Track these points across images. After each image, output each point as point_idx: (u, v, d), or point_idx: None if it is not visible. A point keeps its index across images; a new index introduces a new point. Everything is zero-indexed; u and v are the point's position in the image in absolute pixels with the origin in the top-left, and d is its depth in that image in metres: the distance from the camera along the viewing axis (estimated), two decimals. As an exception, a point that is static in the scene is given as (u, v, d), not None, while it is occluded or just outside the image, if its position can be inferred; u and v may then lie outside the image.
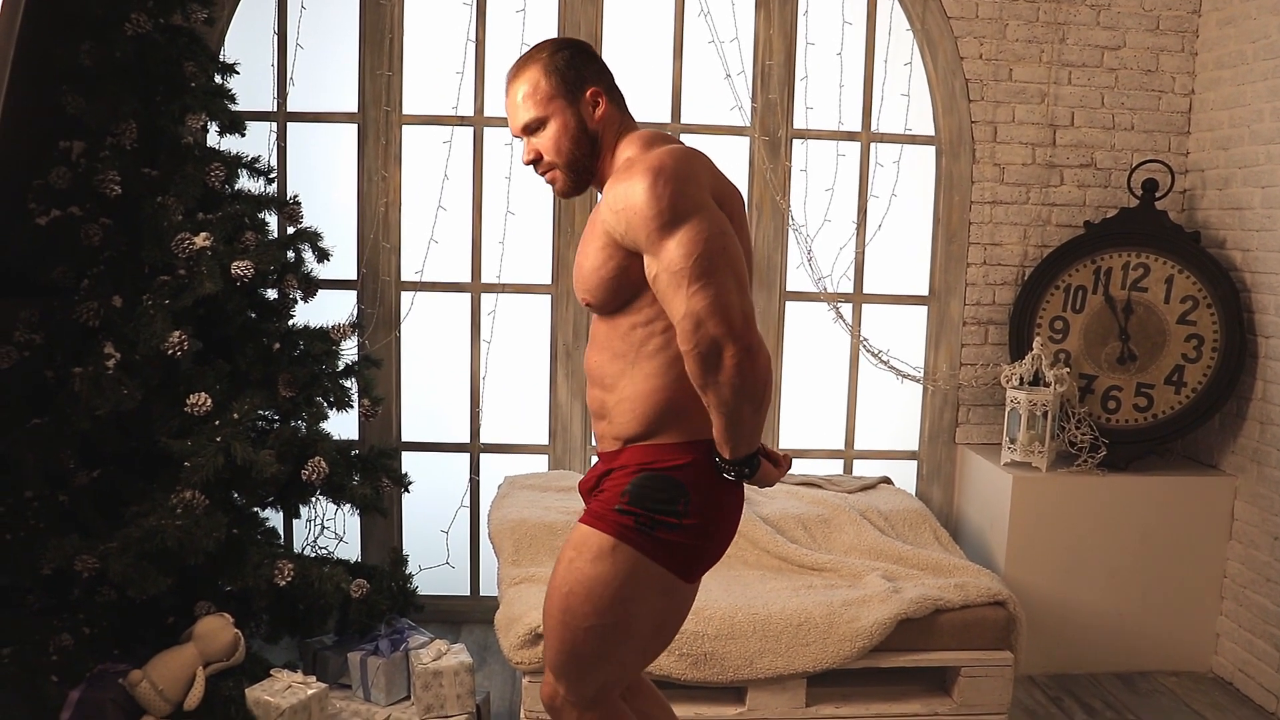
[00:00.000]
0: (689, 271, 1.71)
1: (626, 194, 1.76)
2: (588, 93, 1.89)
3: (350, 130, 3.57)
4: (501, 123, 3.56)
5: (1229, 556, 3.47)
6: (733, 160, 3.62)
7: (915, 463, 3.86)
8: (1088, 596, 3.44)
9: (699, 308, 1.71)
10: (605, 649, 1.91)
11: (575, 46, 1.92)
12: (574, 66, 1.89)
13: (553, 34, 3.55)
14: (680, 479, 1.86)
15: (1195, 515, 3.46)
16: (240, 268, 2.86)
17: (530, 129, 1.91)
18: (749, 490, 3.19)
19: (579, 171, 1.92)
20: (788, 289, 3.72)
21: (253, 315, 3.08)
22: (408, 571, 3.22)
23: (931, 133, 3.70)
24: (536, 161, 1.93)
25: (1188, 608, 3.50)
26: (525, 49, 1.91)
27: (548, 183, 1.96)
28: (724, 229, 1.76)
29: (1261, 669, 3.29)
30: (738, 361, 1.71)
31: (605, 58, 3.50)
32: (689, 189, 1.75)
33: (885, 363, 3.74)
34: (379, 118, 3.53)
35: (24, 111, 2.78)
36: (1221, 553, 3.48)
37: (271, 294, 3.14)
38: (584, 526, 1.92)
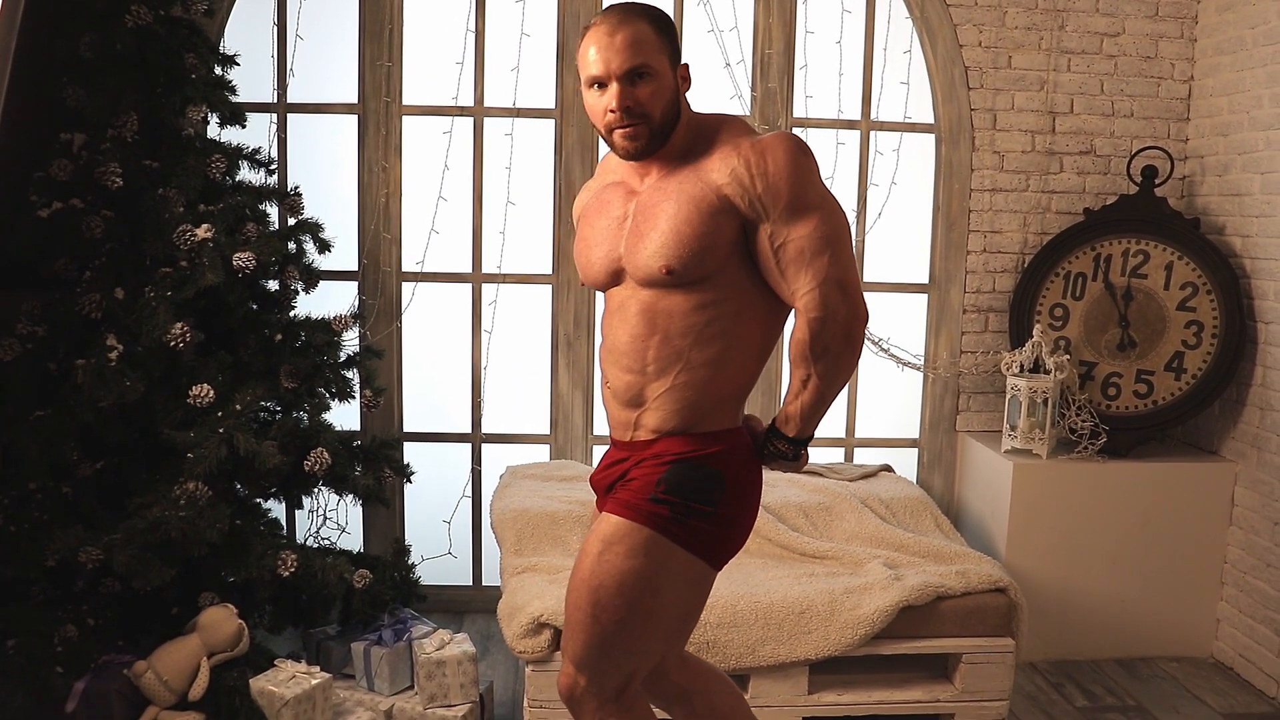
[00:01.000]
0: (829, 241, 1.79)
1: (767, 157, 1.79)
2: (683, 62, 1.90)
3: (350, 121, 3.57)
4: (502, 113, 3.56)
5: (1229, 542, 3.48)
6: (732, 149, 3.62)
7: (916, 450, 3.87)
8: (1089, 583, 3.45)
9: (838, 276, 1.79)
10: (633, 641, 1.90)
11: (667, 16, 1.91)
12: (675, 37, 1.88)
13: (552, 23, 3.55)
14: (719, 468, 1.87)
15: (1196, 501, 3.46)
16: (242, 259, 2.87)
17: (633, 76, 1.80)
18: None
19: (661, 134, 1.85)
20: (788, 278, 3.72)
21: (254, 306, 3.08)
22: (410, 562, 3.25)
23: (931, 120, 3.70)
24: (627, 110, 1.81)
25: (1188, 593, 3.50)
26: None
27: (624, 138, 1.84)
28: (846, 214, 1.87)
29: (1262, 654, 3.30)
30: (856, 338, 1.82)
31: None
32: (819, 167, 1.86)
33: (886, 351, 3.74)
34: (379, 108, 3.53)
35: (25, 104, 2.79)
36: (1222, 538, 3.49)
37: (273, 285, 3.15)
38: (613, 518, 1.88)
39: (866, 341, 3.73)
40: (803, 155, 1.81)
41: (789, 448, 1.89)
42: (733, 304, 1.86)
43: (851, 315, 1.81)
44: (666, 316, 1.86)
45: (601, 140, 3.67)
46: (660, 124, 1.84)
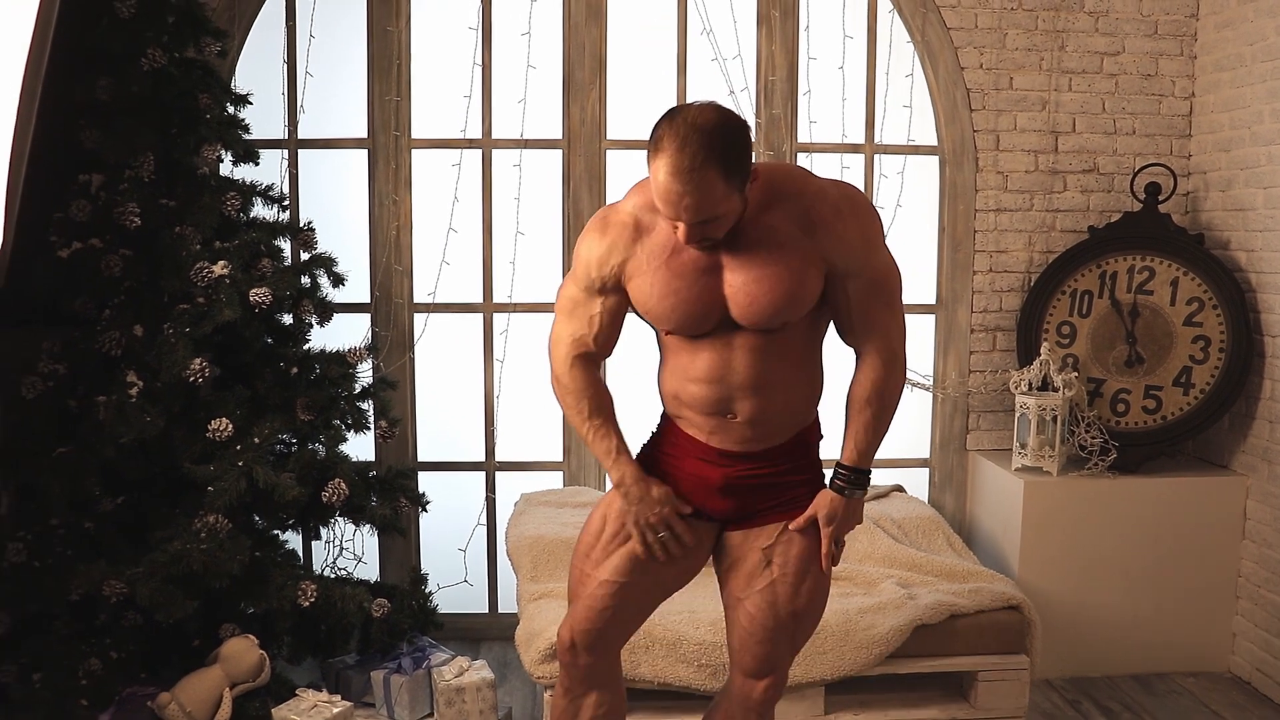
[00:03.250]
0: (896, 297, 2.03)
1: (863, 222, 1.96)
2: (751, 174, 1.85)
3: (361, 156, 3.62)
4: (510, 144, 3.61)
5: (1243, 556, 3.48)
6: (738, 175, 3.66)
7: (927, 470, 3.88)
8: (1102, 599, 3.46)
9: (901, 331, 2.05)
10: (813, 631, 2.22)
11: (738, 132, 1.81)
12: (744, 160, 1.81)
13: (558, 56, 3.61)
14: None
15: (1208, 515, 3.47)
16: (258, 294, 2.91)
17: (703, 224, 1.83)
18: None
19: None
20: (796, 301, 3.75)
21: (270, 341, 3.13)
22: (427, 590, 3.27)
23: (934, 143, 3.74)
24: (701, 241, 1.87)
25: (1203, 608, 3.50)
26: (684, 123, 1.76)
27: (694, 246, 1.90)
28: None
29: (1279, 668, 3.30)
30: (904, 383, 2.10)
31: (610, 78, 3.60)
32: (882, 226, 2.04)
33: (895, 371, 3.76)
34: (388, 143, 3.58)
35: (45, 146, 2.84)
36: (1235, 552, 3.49)
37: (288, 319, 3.19)
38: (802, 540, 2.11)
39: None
40: (874, 217, 2.00)
41: (857, 479, 2.09)
42: (811, 330, 2.04)
43: (906, 364, 2.09)
44: (784, 345, 2.00)
45: (608, 168, 3.71)
46: (729, 231, 1.89)
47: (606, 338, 2.09)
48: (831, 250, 1.92)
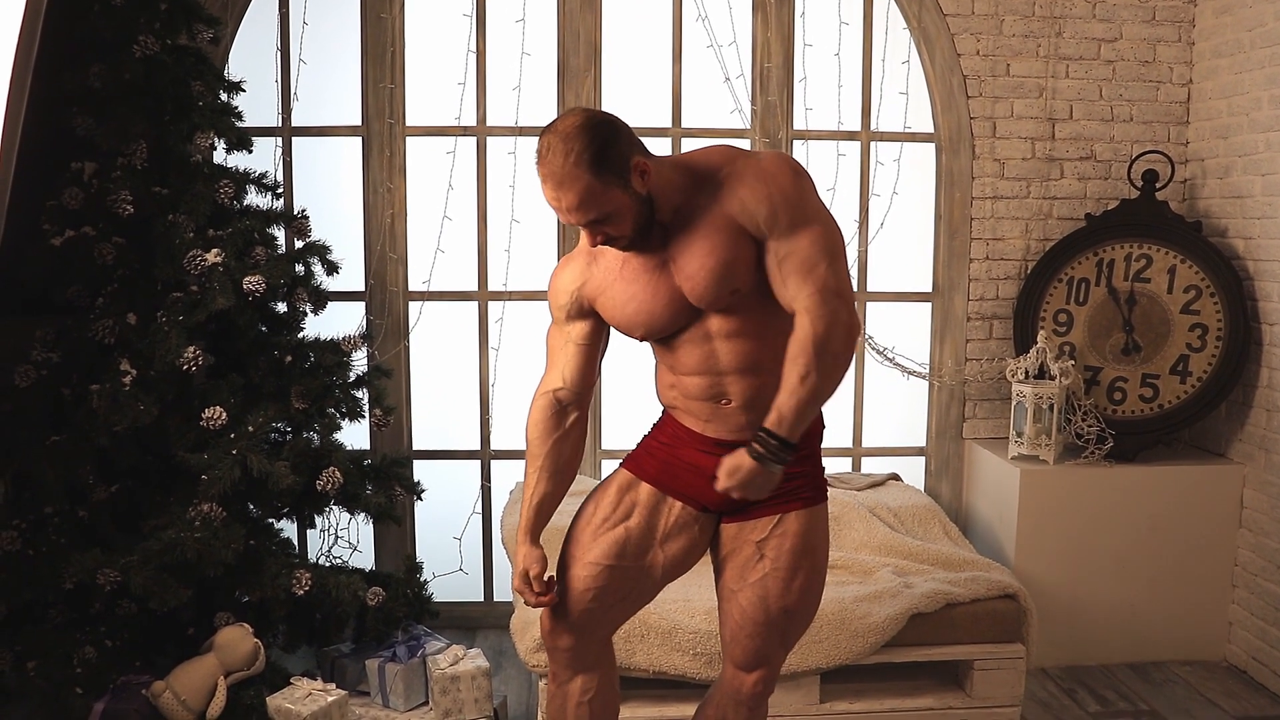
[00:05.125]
0: (829, 252, 1.89)
1: (770, 184, 1.89)
2: (634, 167, 1.87)
3: (354, 143, 3.61)
4: (505, 131, 3.60)
5: (1239, 544, 3.48)
6: (734, 163, 3.65)
7: (923, 458, 3.89)
8: (1099, 588, 3.46)
9: (835, 285, 1.88)
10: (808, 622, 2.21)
11: (601, 130, 1.86)
12: (614, 154, 1.85)
13: (553, 42, 3.60)
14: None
15: (1204, 504, 3.47)
16: (251, 283, 2.91)
17: (595, 224, 1.89)
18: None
19: (644, 228, 1.93)
20: (792, 289, 3.75)
21: (264, 329, 3.13)
22: (422, 579, 3.26)
23: (931, 130, 3.73)
24: (603, 239, 1.93)
25: (1199, 597, 3.51)
26: (550, 131, 1.86)
27: (613, 248, 1.97)
28: (840, 228, 1.97)
29: (1275, 657, 3.30)
30: (852, 347, 1.90)
31: (605, 65, 3.59)
32: (814, 185, 1.95)
33: (891, 360, 3.77)
34: (383, 130, 3.57)
35: (36, 134, 2.83)
36: (1232, 541, 3.49)
37: (282, 307, 3.19)
38: (805, 513, 2.09)
39: (870, 350, 3.76)
40: (798, 175, 1.92)
41: (780, 448, 1.88)
42: (773, 305, 1.96)
43: (850, 323, 1.89)
44: (762, 322, 1.98)
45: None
46: (637, 226, 1.91)
47: (577, 368, 2.11)
48: (746, 212, 1.90)
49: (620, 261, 2.01)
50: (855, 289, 3.70)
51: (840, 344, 1.88)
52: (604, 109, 3.58)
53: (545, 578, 2.12)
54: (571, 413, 2.14)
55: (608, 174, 1.84)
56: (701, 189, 1.94)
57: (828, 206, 1.96)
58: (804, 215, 1.90)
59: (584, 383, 2.13)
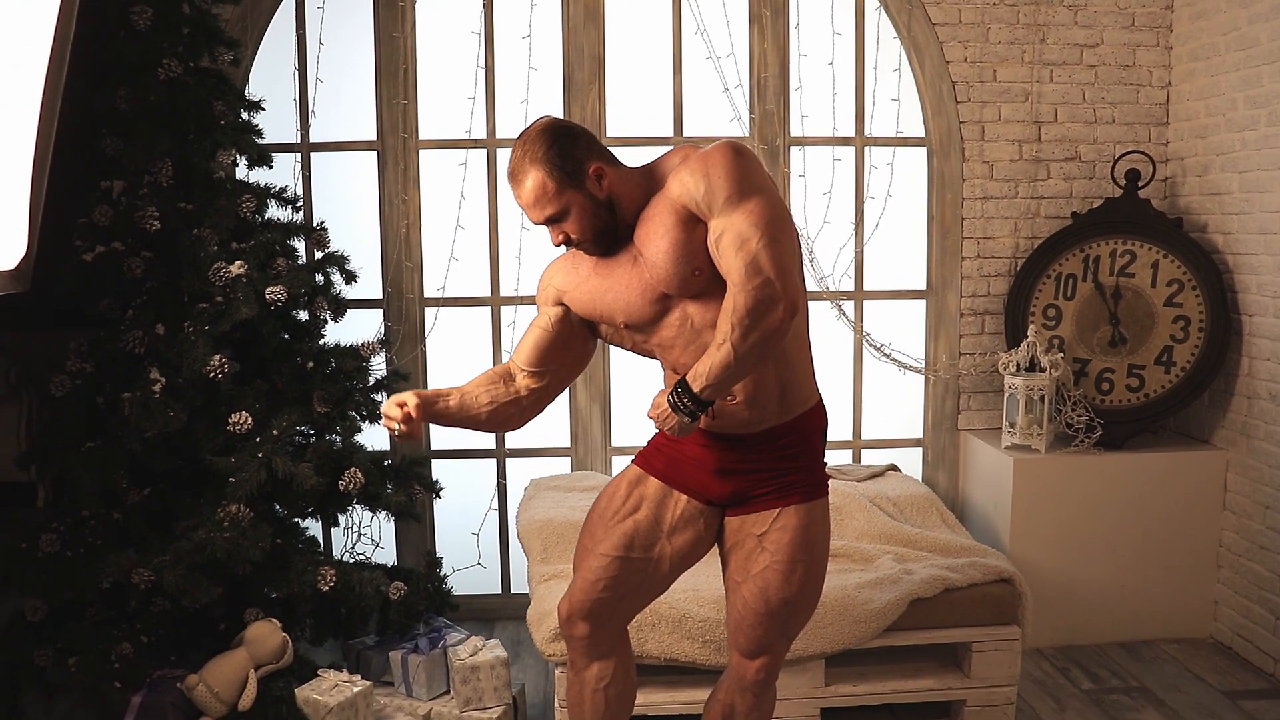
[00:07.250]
0: (760, 230, 1.89)
1: (707, 162, 1.94)
2: (590, 171, 1.99)
3: (370, 157, 3.71)
4: (513, 143, 3.70)
5: (1223, 527, 3.58)
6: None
7: (920, 450, 3.99)
8: (1090, 570, 3.55)
9: (765, 259, 1.88)
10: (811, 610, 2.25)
11: (558, 134, 1.99)
12: (568, 155, 1.98)
13: (558, 57, 3.71)
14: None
15: (1189, 488, 3.56)
16: (274, 293, 2.98)
17: (552, 221, 2.03)
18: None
19: (606, 236, 2.04)
20: (791, 289, 3.84)
21: (286, 337, 3.19)
22: (442, 573, 3.34)
23: (922, 134, 3.84)
24: (566, 241, 2.05)
25: (1186, 577, 3.60)
26: (523, 140, 2.01)
27: (582, 252, 2.10)
28: (787, 210, 2.01)
29: (1259, 633, 3.41)
30: (781, 318, 1.88)
31: (608, 78, 3.70)
32: (759, 168, 1.98)
33: (888, 356, 3.87)
34: (397, 144, 3.68)
35: (68, 155, 2.92)
36: (1216, 523, 3.59)
37: (303, 316, 3.26)
38: (803, 508, 2.13)
39: (868, 346, 3.86)
40: (739, 154, 1.95)
41: (691, 404, 1.92)
42: None
43: (782, 298, 1.87)
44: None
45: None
46: (600, 230, 2.03)
47: (532, 344, 2.21)
48: (687, 193, 1.95)
49: (595, 260, 2.12)
50: (853, 288, 3.85)
51: (765, 317, 1.87)
52: (605, 117, 3.71)
53: (414, 411, 2.11)
54: (512, 382, 2.22)
55: (560, 173, 1.97)
56: (661, 183, 2.03)
57: (777, 186, 1.99)
58: (740, 192, 1.92)
59: (530, 360, 2.20)
